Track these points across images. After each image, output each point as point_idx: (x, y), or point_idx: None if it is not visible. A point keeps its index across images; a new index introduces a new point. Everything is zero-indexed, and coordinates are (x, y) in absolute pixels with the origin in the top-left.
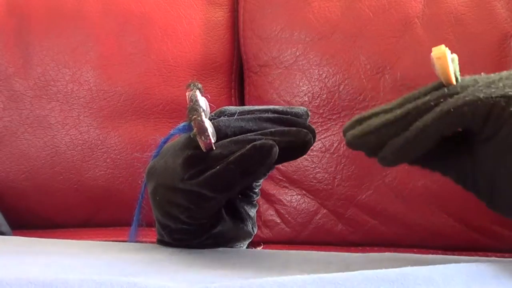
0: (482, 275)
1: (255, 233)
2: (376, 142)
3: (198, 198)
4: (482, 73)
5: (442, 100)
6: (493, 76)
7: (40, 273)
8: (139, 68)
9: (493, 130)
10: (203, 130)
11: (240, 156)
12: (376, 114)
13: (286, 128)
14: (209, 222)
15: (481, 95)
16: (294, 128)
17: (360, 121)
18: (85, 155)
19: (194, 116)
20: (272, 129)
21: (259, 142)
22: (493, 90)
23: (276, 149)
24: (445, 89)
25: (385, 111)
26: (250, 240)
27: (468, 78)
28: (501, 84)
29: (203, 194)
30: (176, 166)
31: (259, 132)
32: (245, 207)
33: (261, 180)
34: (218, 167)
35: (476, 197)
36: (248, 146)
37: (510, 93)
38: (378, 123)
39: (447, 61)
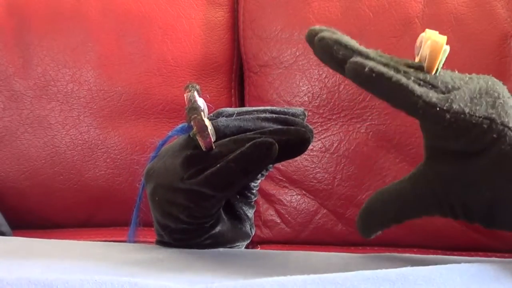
0: (482, 275)
1: (253, 234)
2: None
3: (198, 197)
4: (456, 71)
5: (421, 82)
6: (470, 81)
7: (41, 273)
8: (139, 68)
9: (468, 150)
10: (203, 128)
11: (240, 154)
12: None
13: (284, 127)
14: (209, 222)
15: (467, 110)
16: (292, 127)
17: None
18: (85, 155)
19: (194, 115)
20: (271, 128)
21: (258, 140)
22: (477, 107)
23: (276, 147)
24: (427, 75)
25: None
26: (248, 241)
27: (445, 74)
28: (483, 102)
29: (203, 193)
30: (176, 166)
31: (258, 131)
32: (243, 208)
33: (259, 181)
34: (218, 165)
35: (469, 223)
36: (248, 144)
37: (492, 115)
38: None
39: (441, 50)
